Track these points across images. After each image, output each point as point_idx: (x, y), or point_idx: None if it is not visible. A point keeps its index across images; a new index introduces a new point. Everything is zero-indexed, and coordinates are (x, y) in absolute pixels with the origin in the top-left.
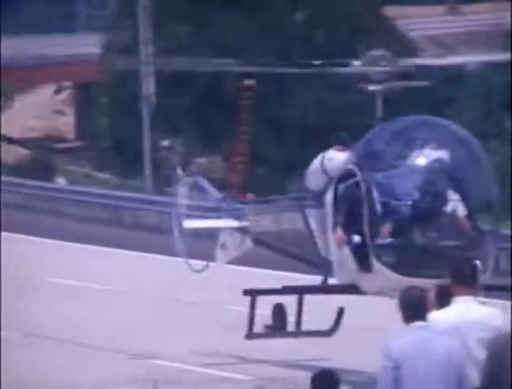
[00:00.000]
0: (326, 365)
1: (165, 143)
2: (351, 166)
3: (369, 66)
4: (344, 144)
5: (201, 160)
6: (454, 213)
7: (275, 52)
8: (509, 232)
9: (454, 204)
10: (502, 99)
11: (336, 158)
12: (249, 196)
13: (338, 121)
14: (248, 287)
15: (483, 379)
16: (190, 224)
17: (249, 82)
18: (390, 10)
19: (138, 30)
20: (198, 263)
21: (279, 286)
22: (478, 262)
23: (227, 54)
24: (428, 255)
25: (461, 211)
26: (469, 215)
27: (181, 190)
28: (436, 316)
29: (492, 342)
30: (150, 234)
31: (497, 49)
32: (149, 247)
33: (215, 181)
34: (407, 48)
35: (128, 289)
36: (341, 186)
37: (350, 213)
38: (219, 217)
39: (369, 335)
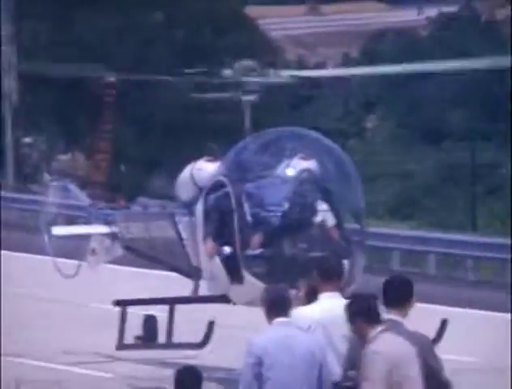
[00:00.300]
0: (196, 362)
1: (27, 140)
2: (220, 177)
3: (240, 77)
4: (214, 155)
5: (63, 158)
6: (323, 223)
7: (135, 52)
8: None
9: (323, 214)
10: (361, 98)
11: (205, 169)
12: (120, 201)
13: (202, 119)
14: (114, 284)
15: (342, 375)
16: (59, 230)
17: (110, 79)
18: (250, 10)
19: None
20: (69, 267)
21: (147, 284)
22: (344, 261)
23: (87, 54)
24: (297, 266)
25: (330, 221)
26: (338, 225)
27: (50, 194)
28: (300, 312)
29: (351, 340)
30: (12, 232)
31: (357, 49)
32: (13, 245)
33: (77, 179)
34: (269, 48)
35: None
36: (211, 197)
37: (220, 224)
38: (88, 222)
39: (238, 333)
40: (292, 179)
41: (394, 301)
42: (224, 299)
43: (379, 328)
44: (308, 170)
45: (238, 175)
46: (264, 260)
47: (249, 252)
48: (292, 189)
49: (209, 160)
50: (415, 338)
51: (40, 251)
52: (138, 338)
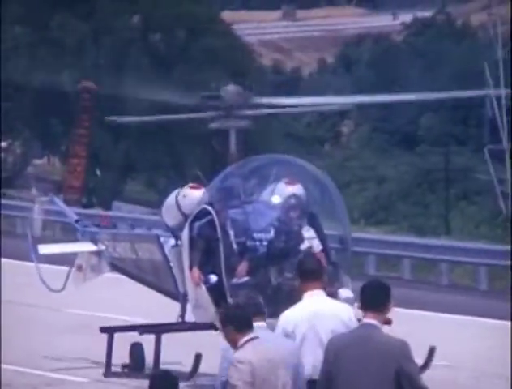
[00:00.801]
0: (180, 368)
1: (2, 144)
2: (205, 206)
3: (225, 101)
4: (199, 182)
5: (39, 162)
6: (309, 250)
7: (112, 55)
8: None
9: (310, 241)
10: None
11: (190, 196)
12: (105, 218)
13: (177, 124)
14: (93, 290)
15: (319, 376)
16: (46, 249)
17: (87, 83)
18: (226, 14)
19: None
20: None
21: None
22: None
23: (64, 57)
24: (284, 294)
25: (316, 246)
26: (324, 250)
27: (37, 210)
28: (287, 314)
29: (329, 341)
30: None
31: (333, 54)
32: None
33: (53, 183)
34: (244, 52)
35: None
36: (196, 225)
37: (206, 252)
38: (74, 239)
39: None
40: (278, 206)
41: (371, 305)
42: (211, 327)
43: (247, 336)
44: (295, 195)
45: (223, 202)
46: (250, 289)
47: (235, 281)
48: (278, 216)
49: (194, 187)
50: (281, 346)
51: (16, 255)
52: (124, 366)
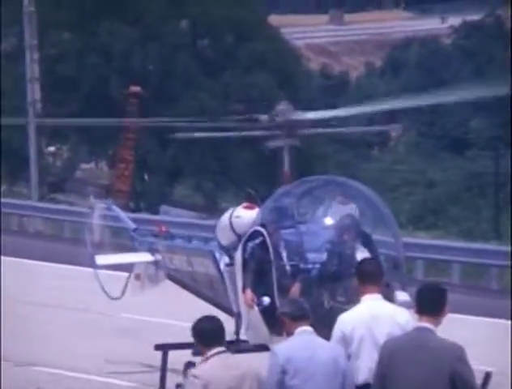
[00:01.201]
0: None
1: (51, 148)
2: (258, 227)
3: (278, 122)
4: (253, 201)
5: (86, 166)
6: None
7: (159, 61)
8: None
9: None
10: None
11: (244, 216)
12: (162, 228)
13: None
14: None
15: (373, 378)
16: (103, 260)
17: (135, 88)
18: (274, 19)
19: (24, 37)
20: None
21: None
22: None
23: (112, 62)
24: (336, 317)
25: None
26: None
27: (94, 217)
28: (344, 315)
29: (384, 344)
30: (34, 240)
31: (380, 57)
32: (34, 254)
33: (101, 188)
34: (291, 56)
35: (19, 296)
36: (249, 246)
37: (259, 274)
38: (132, 248)
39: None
40: (332, 227)
41: (427, 309)
42: (264, 348)
43: (214, 351)
44: (348, 215)
45: (276, 223)
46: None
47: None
48: (331, 237)
49: (247, 207)
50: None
51: (68, 261)
52: (178, 386)
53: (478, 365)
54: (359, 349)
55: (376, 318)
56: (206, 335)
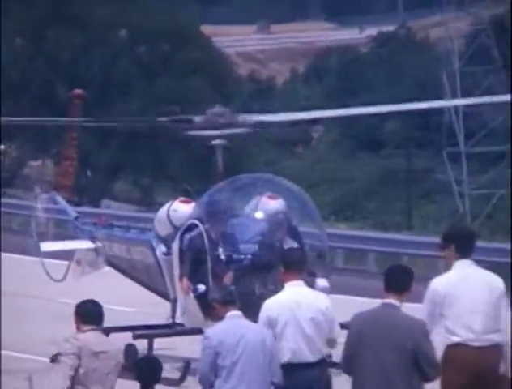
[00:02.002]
0: (173, 353)
1: (1, 147)
2: (194, 220)
3: (210, 123)
4: (189, 196)
5: (34, 163)
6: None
7: (101, 66)
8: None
9: None
10: (309, 109)
11: (180, 210)
12: (102, 218)
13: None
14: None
15: (342, 356)
16: (48, 246)
17: (78, 91)
18: (206, 29)
19: None
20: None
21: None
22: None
23: (58, 67)
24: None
25: None
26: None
27: (39, 207)
28: (269, 302)
29: (353, 318)
30: None
31: (304, 64)
32: None
33: (47, 183)
34: (222, 63)
35: None
36: (186, 237)
37: (195, 263)
38: (73, 236)
39: None
40: (263, 220)
41: (393, 287)
42: (199, 332)
43: (91, 327)
44: (277, 209)
45: (211, 217)
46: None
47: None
48: (262, 230)
49: (184, 202)
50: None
51: (17, 250)
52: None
53: None
54: (283, 332)
55: (299, 303)
56: (86, 314)
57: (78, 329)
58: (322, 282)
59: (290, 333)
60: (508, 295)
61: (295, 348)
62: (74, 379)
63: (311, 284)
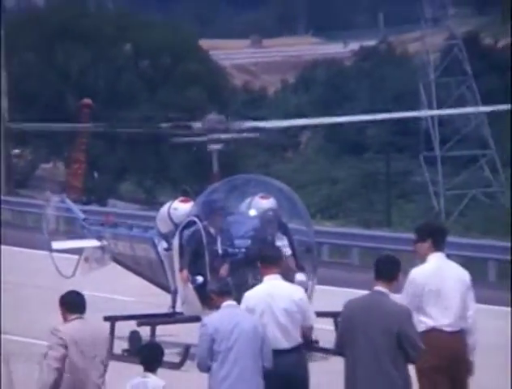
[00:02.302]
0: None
1: (16, 151)
2: (192, 217)
3: (208, 129)
4: (188, 196)
5: (45, 166)
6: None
7: (108, 78)
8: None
9: (282, 247)
10: (298, 116)
11: (180, 208)
12: (109, 218)
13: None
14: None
15: (336, 340)
16: (58, 244)
17: (87, 100)
18: (204, 43)
19: None
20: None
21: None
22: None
23: (68, 79)
24: None
25: (287, 252)
26: (293, 255)
27: (50, 208)
28: (249, 293)
29: (345, 304)
30: (3, 229)
31: (293, 76)
32: (4, 240)
33: (58, 184)
34: (218, 74)
35: None
36: (185, 233)
37: (193, 257)
38: (82, 236)
39: None
40: (255, 218)
41: (382, 276)
42: (198, 320)
43: (74, 316)
44: (271, 210)
45: (208, 214)
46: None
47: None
48: (255, 226)
49: (183, 201)
50: None
51: (31, 245)
52: (124, 351)
53: None
54: (260, 321)
55: (273, 295)
56: (71, 303)
57: (65, 319)
58: (299, 276)
59: (266, 322)
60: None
61: (270, 336)
62: (64, 368)
63: (292, 278)
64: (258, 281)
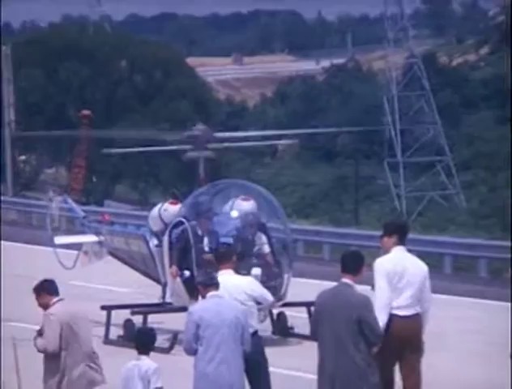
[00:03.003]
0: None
1: (22, 157)
2: (180, 218)
3: (192, 139)
4: (176, 198)
5: (49, 171)
6: (260, 252)
7: (105, 91)
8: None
9: (261, 245)
10: (274, 127)
11: (169, 209)
12: (106, 217)
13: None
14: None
15: (310, 327)
16: (60, 240)
17: (86, 112)
18: (191, 60)
19: (2, 73)
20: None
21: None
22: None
23: (69, 92)
24: None
25: (266, 249)
26: (272, 252)
27: (53, 206)
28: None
29: (318, 295)
30: (11, 227)
31: (271, 90)
32: (11, 237)
33: (60, 186)
34: (204, 88)
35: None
36: (174, 232)
37: (181, 253)
38: (82, 232)
39: None
40: (237, 218)
41: (347, 269)
42: (185, 310)
43: (56, 299)
44: (250, 210)
45: (195, 215)
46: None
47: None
48: (236, 226)
49: (172, 203)
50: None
51: (35, 242)
52: (119, 337)
53: None
54: None
55: (226, 287)
56: (50, 287)
57: (48, 303)
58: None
59: None
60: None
61: None
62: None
63: (270, 272)
64: (240, 275)
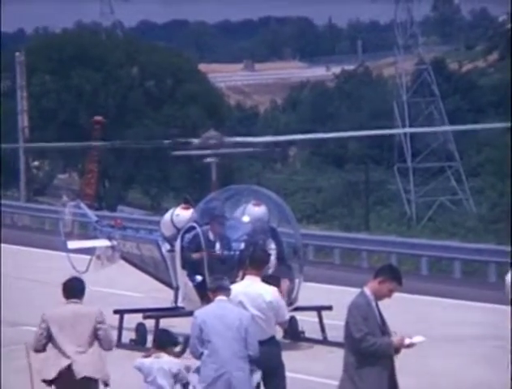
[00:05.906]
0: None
1: (35, 163)
2: (192, 223)
3: (205, 145)
4: (188, 204)
5: (62, 176)
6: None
7: (117, 97)
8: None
9: (271, 251)
10: (285, 133)
11: (181, 215)
12: (119, 221)
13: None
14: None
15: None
16: (73, 244)
17: (98, 117)
18: (202, 66)
19: (16, 79)
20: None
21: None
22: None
23: (82, 98)
24: None
25: (274, 253)
26: (281, 255)
27: (66, 212)
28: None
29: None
30: (23, 232)
31: (282, 96)
32: (24, 242)
33: (73, 192)
34: (215, 94)
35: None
36: (186, 236)
37: (193, 258)
38: (94, 236)
39: None
40: (248, 224)
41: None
42: None
43: (65, 302)
44: (260, 215)
45: (206, 220)
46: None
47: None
48: (248, 231)
49: (184, 208)
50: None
51: (46, 246)
52: (132, 340)
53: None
54: None
55: (246, 293)
56: (67, 288)
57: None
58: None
59: None
60: None
61: None
62: (47, 340)
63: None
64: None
